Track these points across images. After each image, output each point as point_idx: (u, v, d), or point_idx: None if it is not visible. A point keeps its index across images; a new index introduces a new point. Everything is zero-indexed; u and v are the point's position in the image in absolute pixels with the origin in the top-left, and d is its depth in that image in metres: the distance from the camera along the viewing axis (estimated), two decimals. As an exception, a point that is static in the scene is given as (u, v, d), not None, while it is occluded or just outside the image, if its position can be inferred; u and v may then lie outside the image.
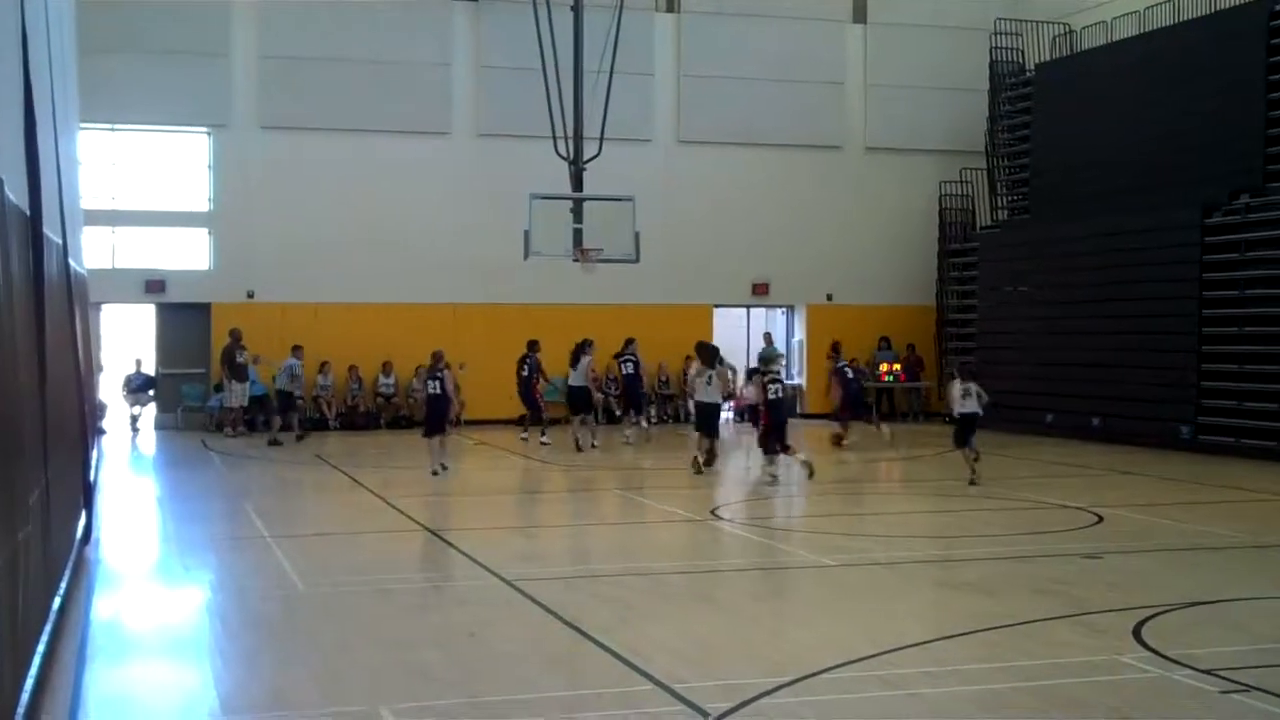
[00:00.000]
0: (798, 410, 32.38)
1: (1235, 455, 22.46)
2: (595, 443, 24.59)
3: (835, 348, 25.96)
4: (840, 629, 10.31)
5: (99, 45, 26.97)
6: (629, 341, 26.02)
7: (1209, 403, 23.79)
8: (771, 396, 19.82)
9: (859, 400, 25.90)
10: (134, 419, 28.85)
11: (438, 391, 20.83)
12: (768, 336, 32.16)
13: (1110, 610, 10.69)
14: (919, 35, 32.68)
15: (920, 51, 32.60)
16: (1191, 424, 23.75)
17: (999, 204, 31.71)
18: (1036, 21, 31.22)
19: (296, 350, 27.10)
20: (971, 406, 19.67)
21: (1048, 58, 30.47)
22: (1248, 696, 8.22)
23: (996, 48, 31.59)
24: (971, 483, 18.95)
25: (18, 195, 8.03)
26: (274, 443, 25.60)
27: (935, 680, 8.66)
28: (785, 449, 19.73)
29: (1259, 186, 24.23)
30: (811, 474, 19.58)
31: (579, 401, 25.11)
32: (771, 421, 19.77)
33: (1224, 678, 8.55)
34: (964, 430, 19.66)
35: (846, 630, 10.23)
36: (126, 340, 30.19)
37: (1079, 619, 10.41)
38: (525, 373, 25.80)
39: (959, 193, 32.36)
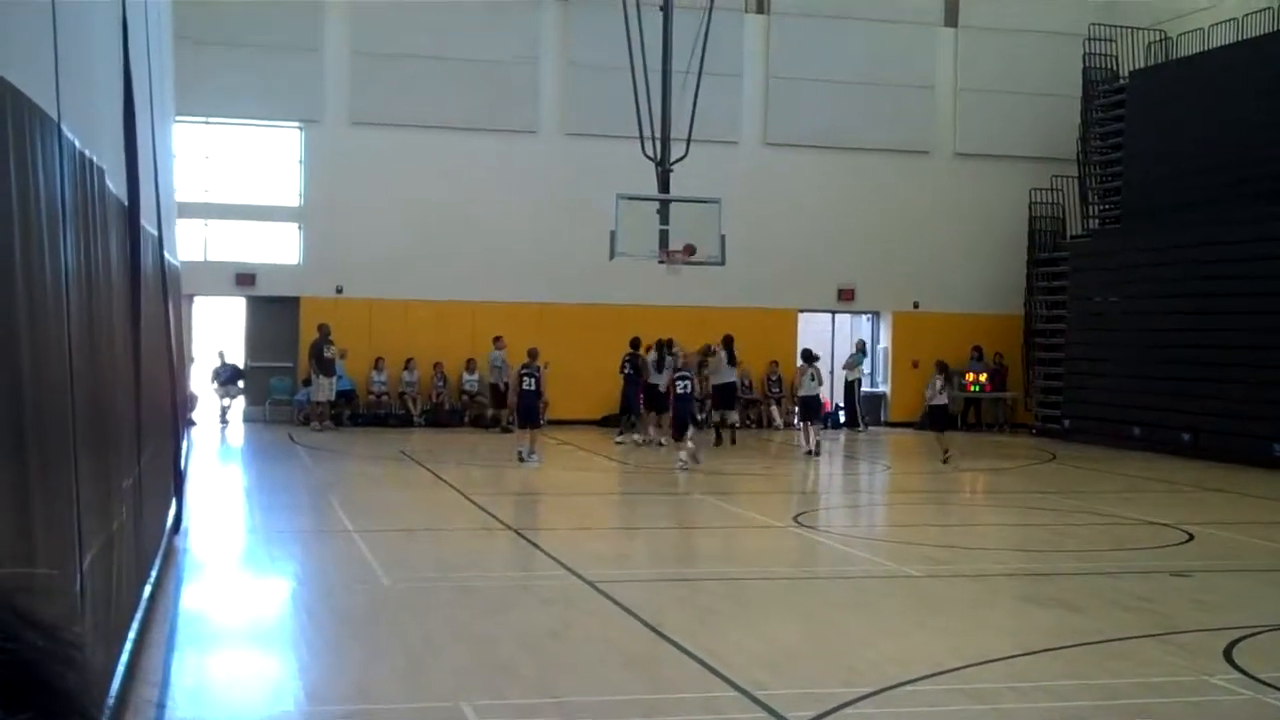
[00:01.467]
0: (882, 418, 32.21)
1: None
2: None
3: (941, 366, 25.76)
4: (924, 640, 10.22)
5: (195, 38, 27.37)
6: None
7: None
8: (679, 390, 22.34)
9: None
10: (224, 411, 29.22)
11: (533, 388, 21.66)
12: (860, 344, 31.94)
13: (1199, 630, 10.50)
14: (1011, 40, 32.35)
15: (1012, 56, 32.27)
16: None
17: (1090, 213, 31.31)
18: (1131, 28, 30.80)
19: (498, 341, 27.99)
20: (942, 400, 24.06)
21: (1142, 64, 30.05)
22: (1342, 722, 8.04)
23: (1090, 54, 31.20)
24: (944, 461, 22.77)
25: (117, 187, 8.16)
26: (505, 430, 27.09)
27: (1020, 696, 8.56)
28: (678, 436, 22.17)
29: (1359, 199, 23.73)
30: (693, 463, 21.58)
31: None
32: (678, 412, 22.39)
33: (1318, 702, 8.38)
34: (936, 420, 24.21)
35: (930, 642, 10.13)
36: (216, 332, 30.59)
37: (1167, 638, 10.23)
38: (628, 371, 26.06)
39: (1049, 200, 31.99)
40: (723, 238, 25.01)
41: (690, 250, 24.26)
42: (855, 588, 12.61)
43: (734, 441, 26.31)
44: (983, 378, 31.87)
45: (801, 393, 26.21)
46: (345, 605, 11.17)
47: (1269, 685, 8.75)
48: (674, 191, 25.61)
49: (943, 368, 24.19)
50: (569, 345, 29.28)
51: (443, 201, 29.69)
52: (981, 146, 32.55)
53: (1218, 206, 26.12)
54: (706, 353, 26.52)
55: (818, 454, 24.77)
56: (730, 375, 26.93)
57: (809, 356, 26.32)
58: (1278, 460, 23.09)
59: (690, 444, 21.96)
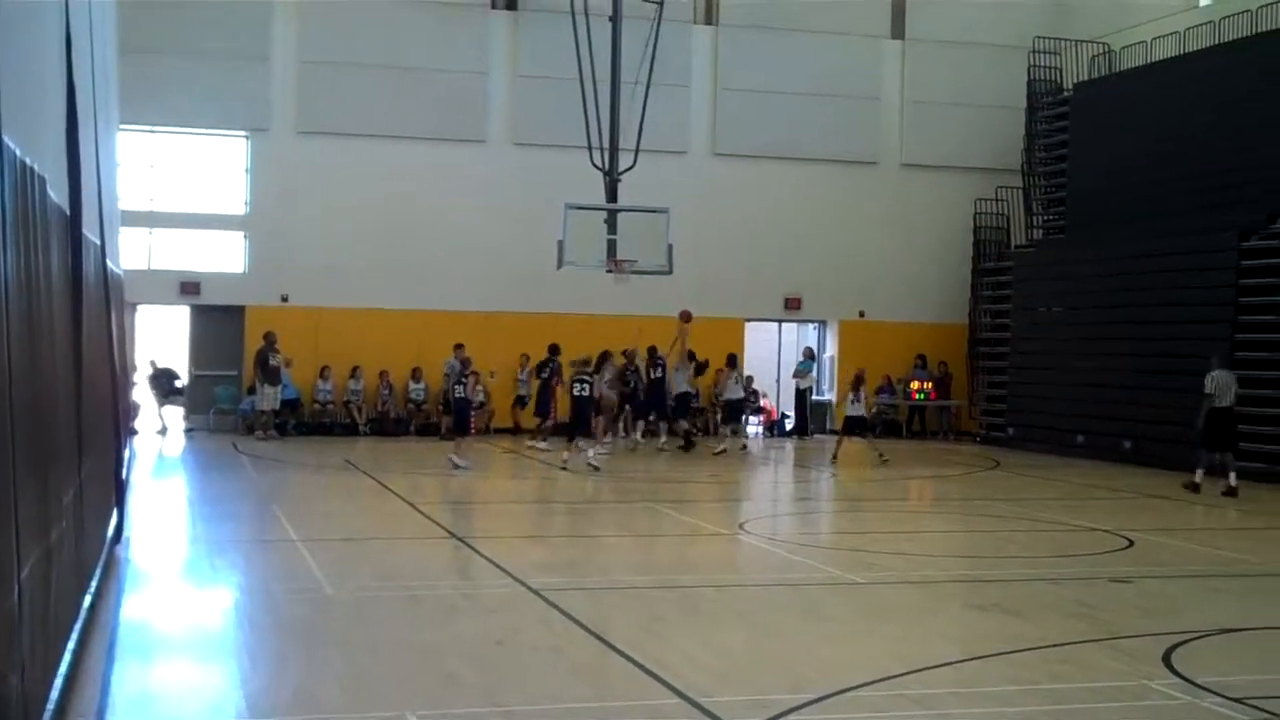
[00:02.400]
0: (828, 426, 32.38)
1: (1269, 480, 22.27)
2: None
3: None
4: (869, 647, 10.27)
5: (140, 47, 27.17)
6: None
7: (1243, 428, 23.61)
8: (575, 394, 22.74)
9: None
10: (164, 422, 28.93)
11: (586, 394, 22.46)
12: (808, 351, 32.11)
13: (1140, 635, 10.61)
14: (957, 52, 32.61)
15: (958, 68, 32.54)
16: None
17: (1034, 223, 31.60)
18: (1075, 41, 31.13)
19: (459, 349, 27.79)
20: (859, 410, 25.09)
21: (1086, 77, 30.37)
22: (1279, 725, 8.15)
23: (1035, 66, 31.51)
24: (883, 461, 24.50)
25: (59, 195, 8.09)
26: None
27: (965, 701, 8.62)
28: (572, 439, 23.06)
29: (1298, 211, 24.07)
30: (563, 467, 22.37)
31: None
32: (575, 416, 22.98)
33: (1255, 706, 8.48)
34: (850, 428, 25.29)
35: (875, 648, 10.19)
36: (161, 341, 30.35)
37: (1109, 643, 10.34)
38: (546, 375, 26.06)
39: (994, 211, 32.27)
40: (670, 247, 25.10)
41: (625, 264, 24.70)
42: (801, 595, 12.65)
43: (744, 448, 27.72)
44: (927, 386, 32.10)
45: (725, 396, 27.88)
46: (288, 615, 11.10)
47: (1206, 690, 8.86)
48: (622, 201, 25.68)
49: (857, 381, 25.34)
50: (516, 354, 29.24)
51: (390, 211, 29.60)
52: (928, 157, 32.79)
53: (1160, 218, 26.43)
54: (627, 360, 27.30)
55: (725, 453, 26.17)
56: (738, 391, 28.06)
57: (733, 361, 28.03)
58: (1218, 468, 23.32)
59: (590, 447, 22.77)
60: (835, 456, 24.99)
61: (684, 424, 27.36)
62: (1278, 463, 22.78)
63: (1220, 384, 20.96)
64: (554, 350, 26.05)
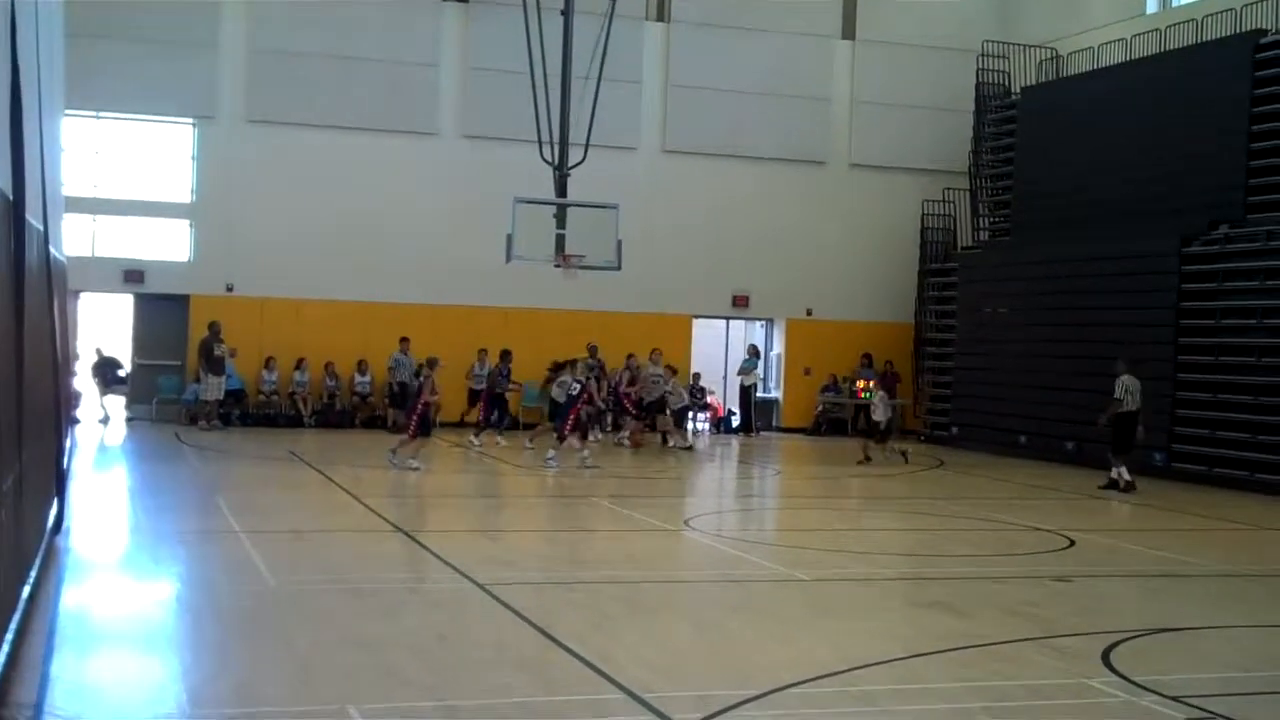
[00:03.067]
0: (774, 424, 32.50)
1: (1208, 483, 22.57)
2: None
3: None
4: (811, 643, 10.32)
5: (87, 31, 26.79)
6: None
7: (1183, 430, 23.93)
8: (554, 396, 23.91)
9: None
10: (106, 411, 28.67)
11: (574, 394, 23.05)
12: (753, 348, 32.22)
13: (1079, 634, 10.73)
14: (906, 54, 32.79)
15: (907, 70, 32.71)
16: (1165, 451, 23.86)
17: (980, 225, 31.84)
18: (1023, 45, 31.37)
19: (404, 343, 28.45)
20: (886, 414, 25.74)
21: (1033, 81, 30.62)
22: (1214, 724, 8.26)
23: (983, 69, 31.74)
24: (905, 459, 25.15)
25: (1, 180, 8.00)
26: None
27: (905, 698, 8.68)
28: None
29: (1239, 217, 24.38)
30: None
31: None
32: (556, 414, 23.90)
33: (1191, 704, 8.59)
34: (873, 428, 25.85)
35: (818, 644, 10.24)
36: (103, 330, 30.06)
37: (1048, 641, 10.44)
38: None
39: (941, 212, 32.48)
40: (619, 243, 25.06)
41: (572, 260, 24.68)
42: (745, 591, 12.70)
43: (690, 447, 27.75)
44: (872, 384, 32.21)
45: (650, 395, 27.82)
46: (230, 607, 11.03)
47: (1144, 688, 8.97)
48: (571, 196, 25.62)
49: (885, 382, 25.78)
50: (463, 348, 29.12)
51: (338, 201, 29.42)
52: (876, 158, 32.96)
53: (1104, 221, 26.68)
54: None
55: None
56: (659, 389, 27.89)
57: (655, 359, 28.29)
58: (1159, 469, 23.63)
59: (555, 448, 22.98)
60: (905, 452, 25.56)
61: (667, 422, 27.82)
62: (1216, 465, 23.07)
63: (1130, 389, 21.60)
64: (592, 351, 27.26)
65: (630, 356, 28.17)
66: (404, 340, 28.46)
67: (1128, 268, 25.53)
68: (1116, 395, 21.58)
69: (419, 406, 21.49)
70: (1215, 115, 25.07)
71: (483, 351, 27.63)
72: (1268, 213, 23.98)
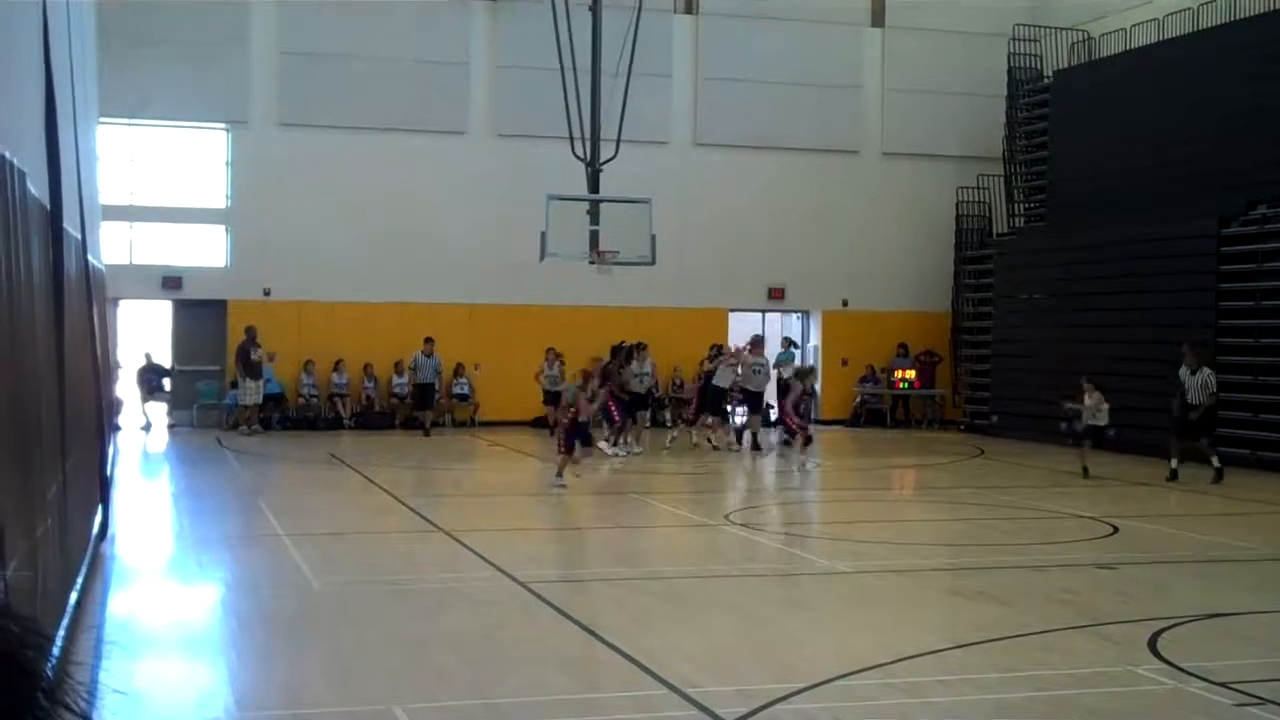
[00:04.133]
0: (812, 416, 32.39)
1: (1251, 467, 22.37)
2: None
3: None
4: (854, 635, 10.30)
5: (119, 39, 27.06)
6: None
7: (1225, 414, 23.71)
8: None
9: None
10: (148, 418, 28.88)
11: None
12: (787, 340, 32.09)
13: (1125, 621, 10.66)
14: (937, 40, 32.63)
15: (938, 56, 32.55)
16: (1209, 436, 23.66)
17: (1016, 211, 31.66)
18: (1055, 28, 31.17)
19: (428, 343, 28.38)
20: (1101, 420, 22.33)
21: (1066, 64, 30.42)
22: (1263, 710, 8.19)
23: (1014, 54, 31.55)
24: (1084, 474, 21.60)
25: (39, 189, 8.06)
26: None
27: (949, 689, 8.65)
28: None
29: (1277, 197, 24.15)
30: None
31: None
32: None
33: (1239, 690, 8.52)
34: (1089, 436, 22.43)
35: (861, 637, 10.22)
36: (142, 336, 30.23)
37: (1093, 629, 10.38)
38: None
39: (976, 199, 32.31)
40: (653, 237, 25.06)
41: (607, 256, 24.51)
42: (787, 585, 12.68)
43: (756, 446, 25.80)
44: (910, 374, 32.16)
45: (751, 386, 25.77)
46: (275, 610, 11.10)
47: (1191, 675, 8.90)
48: (604, 192, 25.63)
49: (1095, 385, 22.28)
50: (499, 346, 29.27)
51: (371, 203, 29.51)
52: (909, 146, 32.81)
53: (1140, 204, 26.48)
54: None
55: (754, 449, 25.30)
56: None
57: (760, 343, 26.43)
58: (1201, 453, 23.42)
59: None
60: (1086, 470, 21.67)
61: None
62: (1259, 448, 22.86)
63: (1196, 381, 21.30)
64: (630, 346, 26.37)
65: (717, 348, 27.33)
66: (428, 341, 28.41)
67: (1165, 250, 25.33)
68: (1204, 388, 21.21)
69: (572, 421, 19.38)
70: (1250, 94, 24.84)
71: (551, 351, 27.61)
72: (1306, 192, 23.77)
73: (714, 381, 25.53)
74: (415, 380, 28.60)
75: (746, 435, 25.85)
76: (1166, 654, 9.49)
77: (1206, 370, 21.28)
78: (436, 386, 28.78)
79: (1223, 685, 8.62)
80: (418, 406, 28.43)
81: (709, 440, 25.62)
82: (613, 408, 23.72)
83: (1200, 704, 8.37)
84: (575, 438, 18.98)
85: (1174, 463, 21.10)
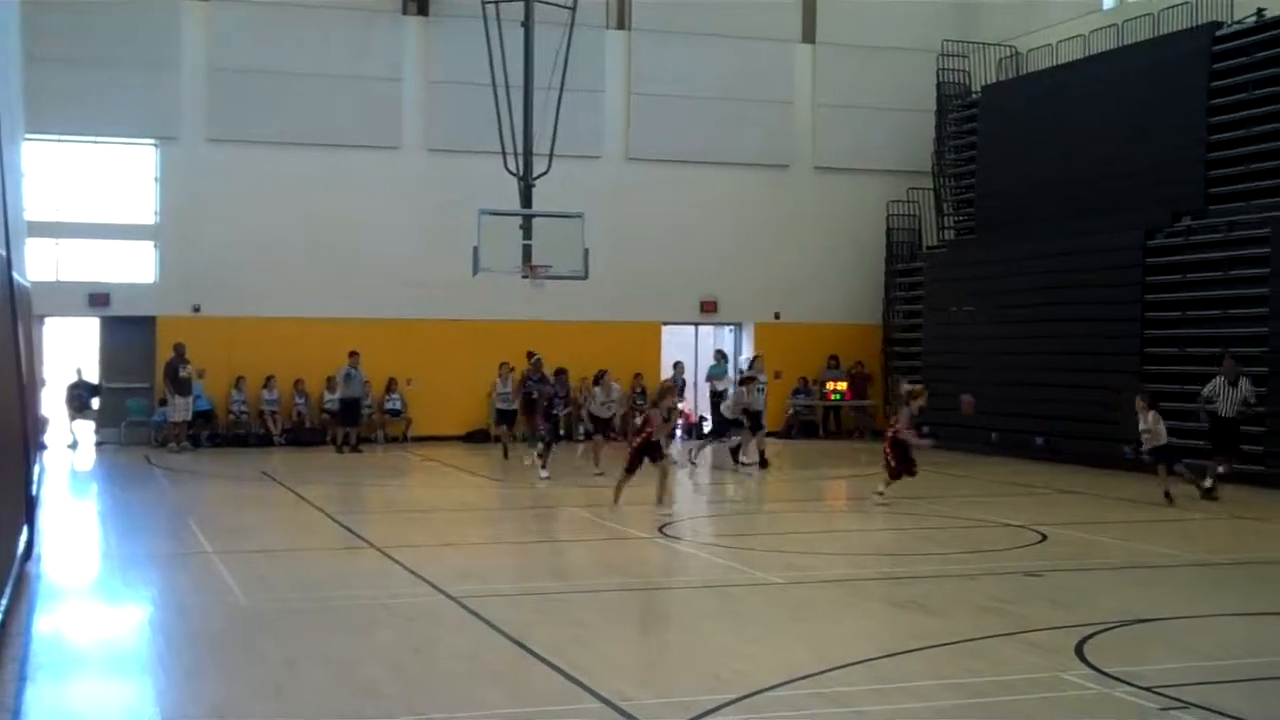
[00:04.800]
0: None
1: (1175, 475, 22.62)
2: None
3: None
4: (787, 646, 10.35)
5: (46, 55, 26.86)
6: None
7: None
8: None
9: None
10: (75, 436, 28.55)
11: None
12: (719, 354, 32.23)
13: (1053, 628, 10.78)
14: (867, 56, 32.92)
15: (868, 72, 32.85)
16: (1133, 444, 23.94)
17: (945, 224, 31.98)
18: (983, 44, 31.54)
19: (353, 356, 27.85)
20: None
21: (994, 79, 30.78)
22: (1186, 713, 8.31)
23: (944, 69, 31.91)
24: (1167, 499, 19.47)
25: (-39, 207, 7.96)
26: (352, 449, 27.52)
27: (881, 698, 8.71)
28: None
29: (1200, 209, 24.57)
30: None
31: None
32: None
33: (1164, 694, 8.64)
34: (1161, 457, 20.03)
35: (793, 647, 10.27)
36: (70, 354, 29.87)
37: (1022, 636, 10.49)
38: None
39: (906, 213, 32.62)
40: (586, 252, 25.11)
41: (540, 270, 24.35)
42: (720, 596, 12.71)
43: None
44: (841, 386, 32.37)
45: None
46: (203, 628, 10.99)
47: (1117, 679, 9.02)
48: (537, 206, 25.65)
49: (1151, 401, 20.19)
50: (433, 362, 29.18)
51: (303, 219, 29.34)
52: (840, 160, 33.06)
53: (1068, 217, 26.84)
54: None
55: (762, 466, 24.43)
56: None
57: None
58: (1126, 462, 23.72)
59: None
60: (1169, 495, 19.54)
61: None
62: (1184, 456, 23.14)
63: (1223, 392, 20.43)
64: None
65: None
66: (353, 354, 28.05)
67: (1092, 263, 25.66)
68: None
69: (644, 440, 18.24)
70: (1174, 108, 25.26)
71: (504, 366, 26.64)
72: (1229, 203, 24.17)
73: (724, 413, 25.16)
74: (342, 395, 28.24)
75: (752, 450, 24.90)
76: (1093, 660, 9.61)
77: (1245, 381, 20.46)
78: (366, 402, 28.56)
79: (1148, 689, 8.74)
80: (344, 422, 28.13)
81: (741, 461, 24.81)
82: (541, 422, 23.36)
83: (1126, 708, 8.48)
84: (644, 456, 18.11)
85: (1209, 481, 19.98)
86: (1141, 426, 19.89)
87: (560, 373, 23.94)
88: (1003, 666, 9.59)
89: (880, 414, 32.34)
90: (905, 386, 20.50)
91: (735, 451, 24.91)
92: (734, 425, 24.86)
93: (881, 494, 19.26)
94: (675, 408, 20.43)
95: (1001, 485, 22.35)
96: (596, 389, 24.80)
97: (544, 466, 22.25)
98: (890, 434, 19.60)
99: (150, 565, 14.31)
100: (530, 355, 24.34)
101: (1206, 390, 20.54)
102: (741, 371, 28.23)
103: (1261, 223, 22.80)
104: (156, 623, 11.42)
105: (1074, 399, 25.38)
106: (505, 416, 26.49)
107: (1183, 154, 24.99)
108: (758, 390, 24.80)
